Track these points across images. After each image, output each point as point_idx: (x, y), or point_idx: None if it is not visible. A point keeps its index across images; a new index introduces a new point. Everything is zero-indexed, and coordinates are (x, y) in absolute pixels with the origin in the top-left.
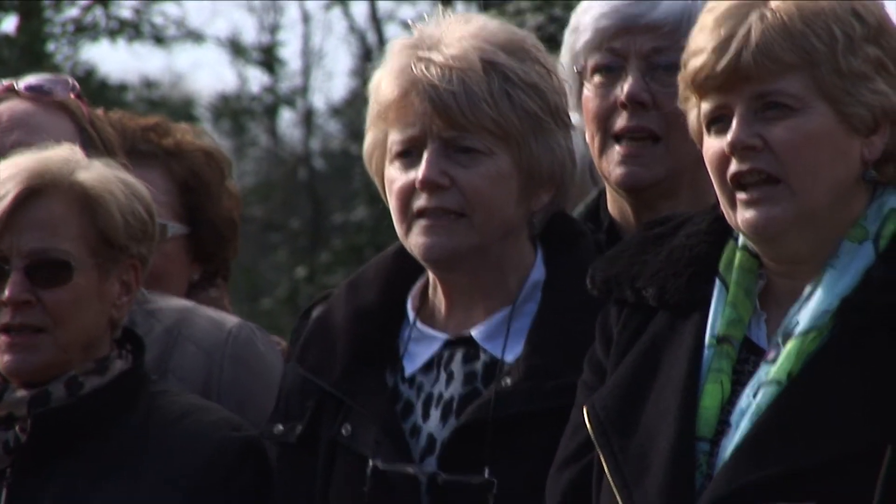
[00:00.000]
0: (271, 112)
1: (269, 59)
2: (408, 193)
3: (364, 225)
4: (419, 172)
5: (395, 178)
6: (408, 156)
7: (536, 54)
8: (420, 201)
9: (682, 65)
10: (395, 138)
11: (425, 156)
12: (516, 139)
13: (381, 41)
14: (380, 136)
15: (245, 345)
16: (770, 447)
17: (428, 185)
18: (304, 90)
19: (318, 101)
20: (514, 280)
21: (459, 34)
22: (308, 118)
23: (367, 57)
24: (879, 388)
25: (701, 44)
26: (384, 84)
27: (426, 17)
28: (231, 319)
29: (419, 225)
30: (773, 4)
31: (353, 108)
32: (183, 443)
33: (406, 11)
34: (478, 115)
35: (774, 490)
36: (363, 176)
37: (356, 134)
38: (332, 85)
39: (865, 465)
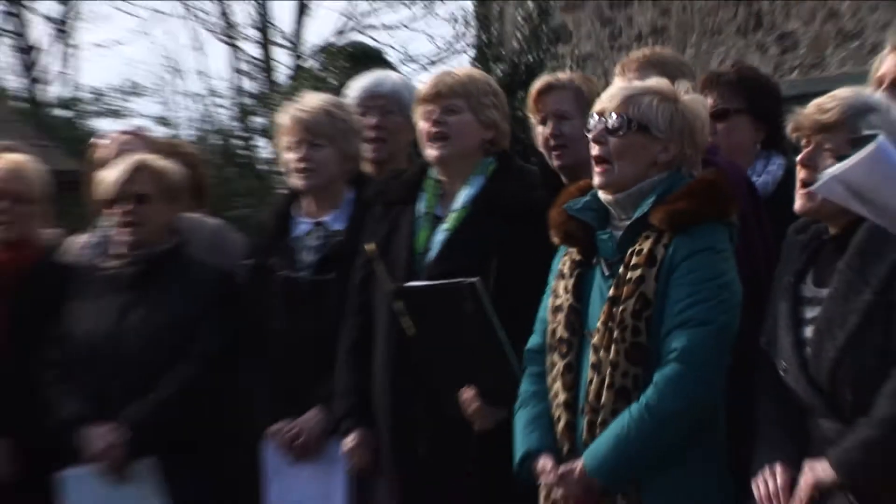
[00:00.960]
0: None
1: None
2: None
3: None
4: (300, 153)
5: (289, 157)
6: (294, 148)
7: (350, 108)
8: (299, 164)
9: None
10: (287, 141)
11: (301, 147)
12: (339, 143)
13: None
14: (281, 142)
15: (227, 232)
16: (449, 258)
17: (304, 160)
18: None
19: None
20: (340, 199)
21: (317, 98)
22: None
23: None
24: (492, 237)
25: (422, 84)
26: (284, 119)
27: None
28: (215, 220)
29: (298, 175)
30: (456, 71)
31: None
32: (199, 273)
33: None
34: (322, 131)
35: (453, 275)
36: None
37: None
38: None
39: (487, 269)
